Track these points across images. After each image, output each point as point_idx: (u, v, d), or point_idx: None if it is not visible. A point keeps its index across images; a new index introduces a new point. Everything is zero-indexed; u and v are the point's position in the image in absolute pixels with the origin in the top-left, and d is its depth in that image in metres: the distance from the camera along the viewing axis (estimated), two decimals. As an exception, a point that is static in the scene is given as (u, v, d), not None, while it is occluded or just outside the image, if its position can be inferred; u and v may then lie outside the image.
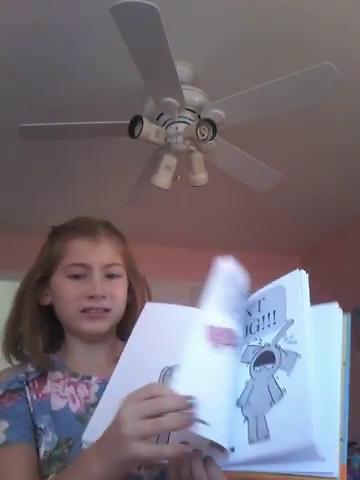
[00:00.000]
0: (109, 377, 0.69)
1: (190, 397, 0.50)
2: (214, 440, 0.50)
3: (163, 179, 1.96)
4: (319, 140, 2.57)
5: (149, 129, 1.82)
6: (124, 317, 0.86)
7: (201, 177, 2.04)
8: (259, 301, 0.67)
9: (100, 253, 0.82)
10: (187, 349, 0.56)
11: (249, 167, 2.22)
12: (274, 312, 0.63)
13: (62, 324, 0.84)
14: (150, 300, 0.90)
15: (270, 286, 0.69)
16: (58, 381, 0.79)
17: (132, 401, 0.53)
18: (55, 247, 0.83)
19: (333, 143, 2.59)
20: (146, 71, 1.64)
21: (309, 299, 0.62)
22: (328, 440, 0.47)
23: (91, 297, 0.78)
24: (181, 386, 0.51)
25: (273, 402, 0.51)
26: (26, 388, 0.77)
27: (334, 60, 1.60)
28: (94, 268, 0.80)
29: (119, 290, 0.83)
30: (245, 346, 0.61)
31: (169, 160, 1.95)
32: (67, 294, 0.80)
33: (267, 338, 0.60)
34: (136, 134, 1.82)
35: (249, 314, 0.67)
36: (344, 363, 0.54)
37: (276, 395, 0.52)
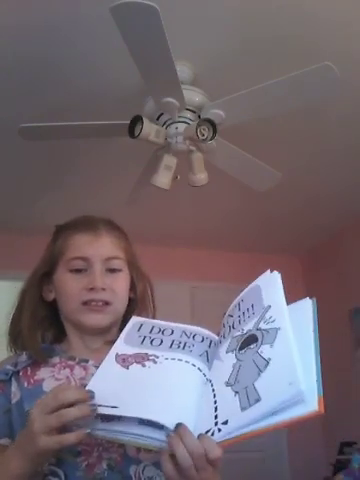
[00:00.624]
0: None
1: (89, 391, 0.61)
2: (123, 414, 0.59)
3: (163, 179, 1.96)
4: (319, 140, 2.57)
5: (149, 129, 1.82)
6: (126, 313, 0.86)
7: (201, 177, 2.04)
8: (238, 303, 0.73)
9: (100, 246, 0.83)
10: (99, 368, 0.68)
11: (249, 167, 2.22)
12: (252, 306, 0.69)
13: (64, 320, 0.85)
14: (153, 297, 0.91)
15: (246, 289, 0.76)
16: (54, 365, 0.79)
17: (40, 402, 0.61)
18: (57, 244, 0.85)
19: (333, 143, 2.59)
20: (146, 71, 1.64)
21: (283, 294, 0.69)
22: (308, 384, 0.53)
23: (91, 289, 0.80)
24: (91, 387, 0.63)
25: (260, 371, 0.56)
26: (13, 380, 0.77)
27: (334, 60, 1.60)
28: (94, 261, 0.81)
29: (119, 284, 0.84)
30: (229, 339, 0.67)
31: (169, 160, 1.95)
32: (69, 288, 0.81)
33: (248, 326, 0.66)
34: (136, 134, 1.82)
35: (230, 316, 0.73)
36: (313, 331, 0.67)
37: (262, 365, 0.57)
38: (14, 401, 0.75)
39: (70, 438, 0.58)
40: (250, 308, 0.69)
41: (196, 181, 2.05)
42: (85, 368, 0.79)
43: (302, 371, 0.55)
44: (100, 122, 1.93)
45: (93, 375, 0.72)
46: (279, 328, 0.60)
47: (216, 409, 0.58)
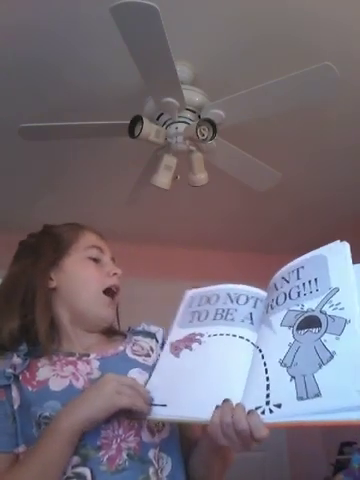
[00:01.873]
0: (108, 354, 0.78)
1: (148, 393, 0.68)
2: (171, 415, 0.65)
3: (163, 179, 1.96)
4: (319, 140, 2.57)
5: (149, 129, 1.82)
6: None
7: (201, 177, 2.04)
8: (298, 269, 0.69)
9: (106, 244, 0.92)
10: (158, 364, 0.73)
11: (249, 167, 2.22)
12: (316, 280, 0.64)
13: (60, 307, 0.84)
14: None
15: (308, 256, 0.71)
16: (54, 363, 0.77)
17: (117, 377, 0.69)
18: (66, 232, 0.89)
19: (333, 143, 2.59)
20: (146, 71, 1.64)
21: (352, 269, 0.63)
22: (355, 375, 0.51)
23: (114, 274, 0.86)
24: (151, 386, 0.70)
25: (322, 363, 0.53)
26: (13, 386, 0.74)
27: (334, 60, 1.60)
28: (106, 253, 0.89)
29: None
30: (285, 310, 0.64)
31: (169, 160, 1.95)
32: (89, 273, 0.84)
33: (310, 304, 0.61)
34: (136, 134, 1.82)
35: (286, 281, 0.69)
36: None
37: (325, 357, 0.54)
38: (15, 407, 0.73)
39: (137, 402, 0.66)
40: (313, 282, 0.64)
41: (196, 181, 2.05)
42: (88, 362, 0.78)
43: None
44: (100, 122, 1.93)
45: (98, 368, 0.76)
46: (349, 321, 0.56)
47: (268, 387, 0.56)
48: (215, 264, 3.99)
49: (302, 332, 0.59)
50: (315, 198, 3.23)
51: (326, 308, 0.59)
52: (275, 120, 2.24)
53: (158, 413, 0.65)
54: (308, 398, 0.52)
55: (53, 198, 3.10)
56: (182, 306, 0.78)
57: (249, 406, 0.56)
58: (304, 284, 0.65)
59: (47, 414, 0.70)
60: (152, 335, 0.89)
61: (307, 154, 2.70)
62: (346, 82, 1.93)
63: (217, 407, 0.58)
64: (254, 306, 0.70)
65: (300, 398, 0.53)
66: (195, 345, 0.68)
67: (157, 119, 1.92)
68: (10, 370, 0.75)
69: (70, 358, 0.79)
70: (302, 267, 0.69)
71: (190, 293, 0.81)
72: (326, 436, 3.56)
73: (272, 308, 0.67)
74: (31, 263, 0.87)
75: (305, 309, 0.61)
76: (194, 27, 1.79)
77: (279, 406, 0.54)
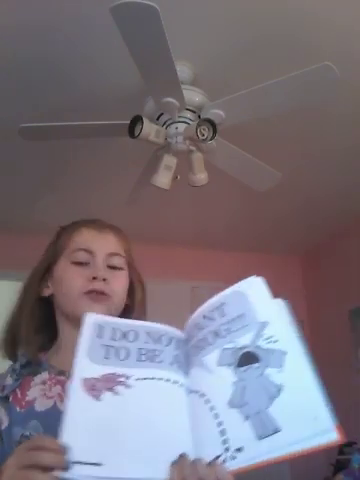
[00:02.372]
0: None
1: (64, 448, 0.52)
2: (109, 476, 0.52)
3: (163, 179, 1.96)
4: (319, 140, 2.57)
5: (149, 129, 1.82)
6: (121, 316, 0.84)
7: (201, 177, 2.04)
8: (220, 306, 0.67)
9: (104, 241, 0.84)
10: (68, 405, 0.58)
11: (249, 167, 2.22)
12: (242, 315, 0.63)
13: (60, 317, 0.83)
14: (145, 304, 0.90)
15: (227, 292, 0.68)
16: (44, 383, 0.76)
17: (18, 450, 0.55)
18: (61, 239, 0.86)
19: (333, 143, 2.59)
20: (146, 71, 1.64)
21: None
22: (320, 410, 0.51)
23: (94, 278, 0.79)
24: (66, 440, 0.53)
25: (273, 398, 0.53)
26: (1, 408, 0.73)
27: (334, 60, 1.60)
28: (97, 254, 0.82)
29: (119, 281, 0.84)
30: (219, 349, 0.62)
31: (169, 160, 1.95)
32: (71, 278, 0.80)
33: (243, 340, 0.61)
34: (136, 134, 1.82)
35: (210, 319, 0.67)
36: (298, 336, 0.60)
37: (274, 390, 0.54)
38: (3, 428, 0.71)
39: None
40: (239, 317, 0.63)
41: (196, 181, 2.05)
42: None
43: (306, 394, 0.53)
44: (100, 122, 1.93)
45: None
46: (286, 352, 0.56)
47: (223, 432, 0.54)
48: (215, 264, 3.99)
49: (243, 369, 0.58)
50: (315, 198, 3.23)
51: (260, 342, 0.59)
52: (275, 120, 2.24)
53: (92, 475, 0.52)
54: (268, 435, 0.51)
55: (53, 198, 3.10)
56: (87, 333, 0.66)
57: (207, 457, 0.53)
58: (231, 320, 0.64)
59: (27, 434, 0.69)
60: None
61: (307, 154, 2.70)
62: (346, 82, 1.93)
63: (173, 464, 0.53)
64: (177, 348, 0.66)
65: (260, 437, 0.51)
66: (120, 389, 0.59)
67: (157, 119, 1.92)
68: None
69: (60, 377, 0.76)
70: (224, 304, 0.67)
71: (95, 319, 0.68)
72: (326, 436, 3.56)
73: (202, 348, 0.64)
74: (32, 272, 0.87)
75: (240, 346, 0.60)
76: (194, 27, 1.79)
77: (240, 450, 0.52)
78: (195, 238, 3.84)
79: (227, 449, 0.53)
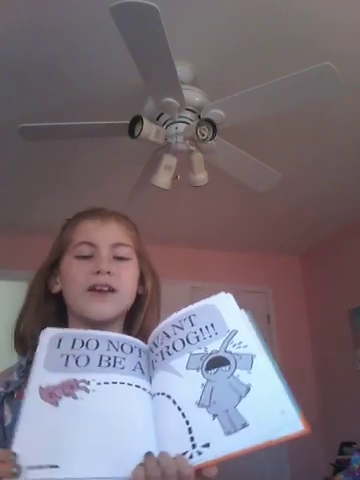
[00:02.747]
0: None
1: (12, 453, 0.52)
2: (68, 477, 0.52)
3: (163, 179, 1.96)
4: (319, 140, 2.57)
5: (149, 129, 1.82)
6: (134, 309, 0.83)
7: (201, 177, 2.04)
8: (189, 317, 0.70)
9: (107, 231, 0.81)
10: (22, 414, 0.58)
11: (249, 167, 2.22)
12: (212, 325, 0.67)
13: (69, 313, 0.81)
14: (159, 293, 0.88)
15: (198, 305, 0.71)
16: None
17: None
18: (65, 233, 0.83)
19: (333, 143, 2.59)
20: (146, 71, 1.64)
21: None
22: (286, 405, 0.54)
23: (97, 272, 0.76)
24: (18, 447, 0.54)
25: (241, 396, 0.56)
26: (4, 402, 0.71)
27: (334, 60, 1.60)
28: (100, 246, 0.79)
29: (127, 271, 0.81)
30: (187, 354, 0.64)
31: (169, 160, 1.95)
32: (74, 273, 0.78)
33: (213, 346, 0.64)
34: (136, 134, 1.82)
35: (180, 328, 0.69)
36: (265, 339, 0.63)
37: (242, 390, 0.56)
38: (6, 424, 0.70)
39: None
40: (210, 327, 0.66)
41: (196, 181, 2.05)
42: None
43: (271, 389, 0.56)
44: (100, 122, 1.93)
45: None
46: (255, 355, 0.60)
47: (190, 430, 0.56)
48: (215, 264, 4.00)
49: (213, 371, 0.60)
50: (315, 198, 3.23)
51: (230, 348, 0.62)
52: (275, 120, 2.24)
53: (49, 477, 0.52)
54: (236, 430, 0.53)
55: (53, 198, 3.10)
56: (44, 346, 0.66)
57: (174, 454, 0.54)
58: (201, 329, 0.67)
59: None
60: None
61: (307, 154, 2.70)
62: (346, 82, 1.93)
63: (141, 464, 0.54)
64: (139, 356, 0.67)
65: (228, 432, 0.53)
66: (81, 393, 0.59)
67: (157, 119, 1.92)
68: (1, 389, 0.73)
69: None
70: (194, 315, 0.70)
71: (54, 332, 0.69)
72: (326, 436, 3.56)
73: (170, 354, 0.66)
74: (40, 268, 0.85)
75: (209, 351, 0.63)
76: (194, 27, 1.79)
77: (207, 445, 0.54)
78: (195, 238, 3.84)
79: (194, 445, 0.54)
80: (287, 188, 2.93)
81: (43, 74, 2.01)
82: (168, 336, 0.68)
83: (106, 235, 0.81)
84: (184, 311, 0.71)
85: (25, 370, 0.74)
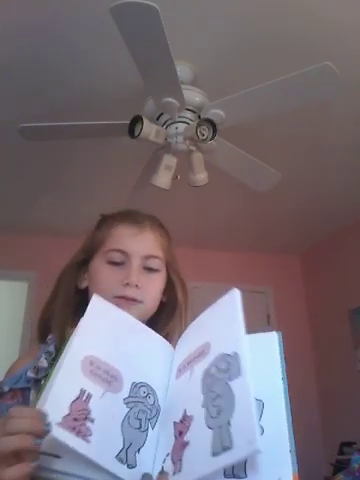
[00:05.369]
0: None
1: (45, 415, 0.51)
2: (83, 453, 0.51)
3: (163, 179, 1.96)
4: (319, 140, 2.57)
5: (149, 129, 1.82)
6: (156, 315, 0.84)
7: (201, 177, 2.04)
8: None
9: (141, 242, 0.82)
10: (60, 376, 0.56)
11: (249, 167, 2.22)
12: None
13: None
14: (187, 303, 0.89)
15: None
16: None
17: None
18: (99, 232, 0.84)
19: (333, 143, 2.59)
20: (146, 71, 1.64)
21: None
22: (280, 451, 0.51)
23: (126, 284, 0.77)
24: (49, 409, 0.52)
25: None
26: (32, 390, 0.70)
27: (334, 60, 1.60)
28: (133, 256, 0.79)
29: (154, 284, 0.82)
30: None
31: (169, 160, 1.95)
32: (104, 279, 0.79)
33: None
34: (136, 134, 1.82)
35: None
36: (283, 379, 0.58)
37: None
38: None
39: (5, 475, 0.50)
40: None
41: (196, 181, 2.05)
42: None
43: (271, 432, 0.52)
44: (100, 122, 1.93)
45: None
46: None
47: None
48: (215, 264, 4.00)
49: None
50: (315, 198, 3.23)
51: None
52: (275, 120, 2.24)
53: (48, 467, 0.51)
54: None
55: (53, 198, 3.10)
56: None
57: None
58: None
59: None
60: None
61: (307, 154, 2.70)
62: (346, 82, 1.93)
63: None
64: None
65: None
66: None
67: (157, 119, 1.92)
68: (31, 374, 0.71)
69: None
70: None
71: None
72: (326, 436, 3.56)
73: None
74: (70, 262, 0.86)
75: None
76: (194, 27, 1.79)
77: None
78: (195, 238, 3.84)
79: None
80: (287, 188, 2.93)
81: (43, 74, 2.01)
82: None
83: (140, 245, 0.81)
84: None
85: (55, 358, 0.73)
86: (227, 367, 0.55)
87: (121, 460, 0.54)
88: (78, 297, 0.83)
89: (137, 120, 1.83)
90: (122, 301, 0.77)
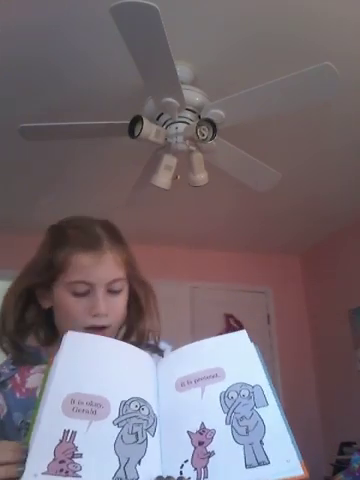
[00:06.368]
0: None
1: (24, 451, 0.56)
2: None
3: (163, 179, 1.96)
4: (319, 140, 2.57)
5: (149, 129, 1.82)
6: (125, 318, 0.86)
7: (201, 177, 2.04)
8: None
9: (103, 270, 0.80)
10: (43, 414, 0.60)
11: (249, 167, 2.22)
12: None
13: (59, 327, 0.83)
14: (154, 300, 0.90)
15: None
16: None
17: None
18: (58, 257, 0.80)
19: (333, 143, 2.59)
20: (146, 71, 1.64)
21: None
22: (288, 447, 0.58)
23: (95, 315, 0.78)
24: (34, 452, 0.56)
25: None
26: None
27: (334, 60, 1.60)
28: (97, 285, 0.79)
29: (119, 304, 0.83)
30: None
31: (169, 160, 1.95)
32: (71, 311, 0.79)
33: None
34: (136, 134, 1.82)
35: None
36: (270, 384, 0.66)
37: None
38: (1, 416, 0.72)
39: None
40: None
41: (196, 181, 2.05)
42: None
43: (274, 431, 0.60)
44: (100, 122, 1.93)
45: None
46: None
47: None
48: (215, 264, 4.00)
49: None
50: (315, 198, 3.23)
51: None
52: (275, 120, 2.24)
53: None
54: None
55: (53, 198, 3.10)
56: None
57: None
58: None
59: (29, 421, 0.67)
60: (160, 352, 0.85)
61: (307, 154, 2.70)
62: (346, 82, 1.93)
63: None
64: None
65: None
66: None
67: (157, 119, 1.92)
68: None
69: None
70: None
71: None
72: (326, 436, 3.56)
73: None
74: (23, 276, 0.86)
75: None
76: (194, 27, 1.79)
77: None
78: (195, 238, 3.84)
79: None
80: (287, 188, 2.93)
81: (43, 74, 2.01)
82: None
83: (102, 273, 0.79)
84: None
85: (14, 362, 0.78)
86: (250, 395, 0.64)
87: (120, 479, 0.56)
88: (40, 313, 0.84)
89: (137, 120, 1.83)
90: (92, 330, 0.78)
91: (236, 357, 0.71)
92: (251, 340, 0.73)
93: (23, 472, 0.54)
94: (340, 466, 2.85)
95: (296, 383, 3.73)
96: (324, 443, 3.55)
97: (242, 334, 0.74)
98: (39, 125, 1.93)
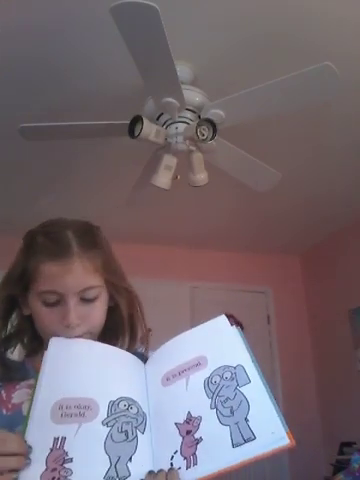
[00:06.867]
0: None
1: (28, 446, 0.58)
2: None
3: (163, 179, 1.96)
4: (319, 140, 2.57)
5: (149, 129, 1.82)
6: (106, 322, 0.83)
7: (201, 177, 2.04)
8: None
9: (73, 278, 0.76)
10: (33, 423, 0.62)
11: (249, 167, 2.22)
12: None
13: (41, 334, 0.81)
14: (138, 300, 0.88)
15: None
16: (30, 387, 0.73)
17: None
18: (29, 266, 0.79)
19: (333, 143, 2.59)
20: (146, 71, 1.64)
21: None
22: (272, 419, 0.58)
23: (66, 326, 0.76)
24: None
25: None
26: None
27: (334, 60, 1.60)
28: (67, 295, 0.76)
29: (96, 313, 0.80)
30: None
31: (169, 160, 1.95)
32: (44, 321, 0.77)
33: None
34: (136, 134, 1.82)
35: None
36: (253, 361, 0.67)
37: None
38: None
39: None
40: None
41: (196, 181, 2.05)
42: None
43: (259, 407, 0.60)
44: (100, 122, 1.93)
45: None
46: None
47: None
48: (215, 264, 4.00)
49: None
50: (315, 198, 3.23)
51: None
52: (275, 120, 2.24)
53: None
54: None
55: (53, 198, 3.10)
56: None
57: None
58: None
59: None
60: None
61: (307, 154, 2.70)
62: (346, 82, 1.93)
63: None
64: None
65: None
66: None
67: (157, 119, 1.92)
68: None
69: None
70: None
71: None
72: (326, 436, 3.56)
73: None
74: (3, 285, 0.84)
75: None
76: (194, 27, 1.79)
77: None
78: (195, 238, 3.84)
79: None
80: (287, 188, 2.93)
81: (43, 74, 2.01)
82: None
83: (72, 283, 0.76)
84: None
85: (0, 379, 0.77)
86: (232, 376, 0.65)
87: (111, 477, 0.57)
88: (23, 321, 0.83)
89: (137, 120, 1.83)
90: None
91: (217, 342, 0.72)
92: (232, 324, 0.75)
93: (29, 464, 0.57)
94: (340, 466, 2.85)
95: (296, 383, 3.73)
96: (324, 443, 3.55)
97: (221, 319, 0.76)
98: (39, 125, 1.93)
